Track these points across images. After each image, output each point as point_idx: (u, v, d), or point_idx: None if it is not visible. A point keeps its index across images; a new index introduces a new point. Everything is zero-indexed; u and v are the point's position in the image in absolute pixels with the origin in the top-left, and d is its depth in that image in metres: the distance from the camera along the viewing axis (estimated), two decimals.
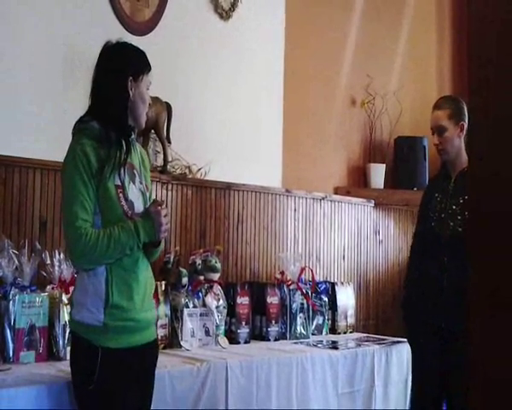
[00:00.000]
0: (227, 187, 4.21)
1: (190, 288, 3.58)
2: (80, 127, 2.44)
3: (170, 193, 3.90)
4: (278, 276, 4.21)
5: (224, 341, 3.58)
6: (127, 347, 2.39)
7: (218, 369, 3.11)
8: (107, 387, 2.33)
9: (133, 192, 2.44)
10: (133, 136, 2.53)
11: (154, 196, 2.69)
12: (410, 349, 3.55)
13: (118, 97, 2.45)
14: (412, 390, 3.53)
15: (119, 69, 2.47)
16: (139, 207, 2.46)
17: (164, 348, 3.34)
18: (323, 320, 4.32)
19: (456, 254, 3.20)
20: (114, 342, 2.36)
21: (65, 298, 2.94)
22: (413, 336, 3.45)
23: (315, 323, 4.25)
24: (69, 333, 2.73)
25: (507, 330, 1.21)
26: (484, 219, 1.26)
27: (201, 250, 3.82)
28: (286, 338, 3.97)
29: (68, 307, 2.77)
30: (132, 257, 2.41)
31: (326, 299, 4.36)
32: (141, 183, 2.51)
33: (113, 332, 2.36)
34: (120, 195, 2.39)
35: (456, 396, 3.24)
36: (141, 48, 2.58)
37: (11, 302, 2.79)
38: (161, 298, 3.39)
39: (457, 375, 3.19)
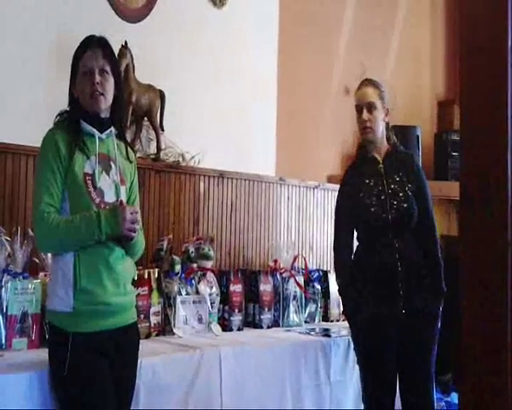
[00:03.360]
0: (220, 175, 4.21)
1: (183, 275, 3.59)
2: (57, 119, 2.56)
3: (163, 181, 3.90)
4: (271, 264, 4.21)
5: (216, 328, 3.59)
6: (98, 331, 2.43)
7: (210, 356, 3.12)
8: (79, 372, 2.37)
9: (105, 182, 2.50)
10: (111, 129, 2.58)
11: (138, 189, 2.73)
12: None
13: (70, 99, 2.58)
14: (365, 384, 3.24)
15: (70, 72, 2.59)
16: (111, 196, 2.51)
17: (157, 335, 3.36)
18: (316, 308, 4.33)
19: (404, 233, 3.16)
20: (84, 326, 2.40)
21: None
22: (365, 329, 3.16)
23: (308, 310, 4.26)
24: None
25: (498, 322, 1.22)
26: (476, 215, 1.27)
27: (194, 238, 3.82)
28: (279, 326, 3.99)
29: None
30: (104, 244, 2.45)
31: (319, 287, 4.36)
32: (116, 175, 2.55)
33: (84, 316, 2.41)
34: (89, 182, 2.46)
35: (411, 384, 3.18)
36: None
37: (3, 289, 2.78)
38: (154, 285, 3.39)
39: (414, 361, 3.15)
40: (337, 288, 3.37)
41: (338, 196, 3.39)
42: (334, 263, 3.35)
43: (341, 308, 4.48)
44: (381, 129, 3.26)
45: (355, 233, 3.31)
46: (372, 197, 3.18)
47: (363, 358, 3.25)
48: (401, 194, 3.18)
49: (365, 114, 3.23)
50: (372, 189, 3.20)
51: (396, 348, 3.14)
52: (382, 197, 3.18)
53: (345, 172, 3.46)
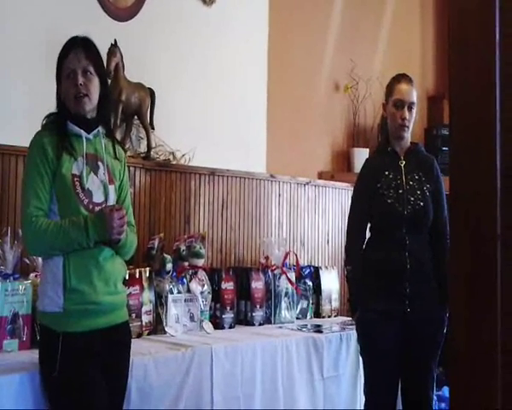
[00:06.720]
0: (211, 173, 4.20)
1: (175, 274, 3.58)
2: (45, 121, 2.55)
3: (154, 179, 3.89)
4: (263, 261, 4.21)
5: (208, 326, 3.59)
6: (88, 330, 2.43)
7: (202, 354, 3.12)
8: (69, 372, 2.37)
9: (93, 182, 2.50)
10: (98, 129, 2.57)
11: (129, 187, 2.74)
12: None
13: (57, 102, 2.56)
14: (367, 381, 3.30)
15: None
16: (99, 197, 2.51)
17: (148, 334, 3.35)
18: (308, 304, 4.33)
19: (417, 232, 3.18)
20: (75, 326, 2.41)
21: None
22: (370, 325, 3.21)
23: (299, 307, 4.26)
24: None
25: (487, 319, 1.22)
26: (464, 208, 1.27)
27: (186, 236, 3.82)
28: (271, 323, 3.99)
29: None
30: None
31: (310, 283, 4.37)
32: (104, 174, 2.54)
33: (74, 317, 2.41)
34: (77, 184, 2.46)
35: (413, 383, 3.22)
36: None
37: None
38: (146, 284, 3.38)
39: (418, 364, 3.18)
40: (345, 273, 3.39)
41: (356, 182, 3.44)
42: (346, 249, 3.39)
43: (333, 304, 4.51)
44: (411, 128, 3.33)
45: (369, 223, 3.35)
46: (390, 190, 3.22)
47: (365, 352, 3.31)
48: (419, 192, 3.22)
49: (406, 113, 3.27)
50: (391, 181, 3.24)
51: (400, 346, 3.16)
52: (400, 191, 3.21)
53: (365, 161, 3.51)
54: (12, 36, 3.42)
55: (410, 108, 3.27)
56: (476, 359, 1.21)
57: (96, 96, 2.53)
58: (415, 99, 3.29)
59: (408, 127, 3.28)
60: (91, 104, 2.52)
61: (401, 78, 3.34)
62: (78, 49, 2.51)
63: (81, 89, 2.48)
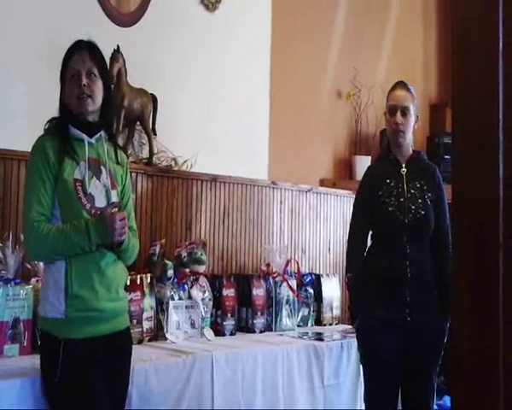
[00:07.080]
0: (213, 179, 4.20)
1: (176, 280, 3.58)
2: (47, 126, 2.55)
3: (155, 185, 3.89)
4: (264, 268, 4.21)
5: (209, 333, 3.58)
6: (90, 337, 2.42)
7: (203, 361, 3.11)
8: (70, 379, 2.36)
9: (95, 187, 2.49)
10: (101, 133, 2.56)
11: (131, 192, 2.74)
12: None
13: (60, 106, 2.55)
14: (367, 387, 3.29)
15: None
16: (101, 201, 2.50)
17: (149, 340, 3.35)
18: (309, 312, 4.33)
19: (418, 240, 3.18)
20: (77, 332, 2.40)
21: None
22: (371, 333, 3.18)
23: (300, 315, 4.26)
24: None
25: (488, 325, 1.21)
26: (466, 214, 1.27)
27: (187, 242, 3.82)
28: (271, 330, 3.98)
29: None
30: (96, 249, 2.44)
31: (311, 291, 4.36)
32: (107, 179, 2.53)
33: (76, 323, 2.40)
34: (79, 188, 2.45)
35: (413, 392, 3.21)
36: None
37: None
38: (147, 290, 3.38)
39: (418, 372, 3.17)
40: (346, 280, 3.37)
41: (358, 189, 3.42)
42: (347, 256, 3.37)
43: (334, 312, 4.50)
44: (410, 134, 3.29)
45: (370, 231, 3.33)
46: (391, 197, 3.20)
47: (365, 360, 3.29)
48: (420, 200, 3.20)
49: (399, 118, 3.24)
50: (392, 189, 3.22)
51: (400, 354, 3.15)
52: (401, 200, 3.20)
53: (367, 168, 3.50)
54: (12, 36, 3.43)
55: (403, 113, 3.23)
56: (478, 367, 1.21)
57: (99, 98, 2.52)
58: (408, 103, 3.25)
59: (403, 132, 3.24)
60: (94, 106, 2.51)
61: (397, 85, 3.33)
62: (82, 51, 2.51)
63: (84, 89, 2.47)
